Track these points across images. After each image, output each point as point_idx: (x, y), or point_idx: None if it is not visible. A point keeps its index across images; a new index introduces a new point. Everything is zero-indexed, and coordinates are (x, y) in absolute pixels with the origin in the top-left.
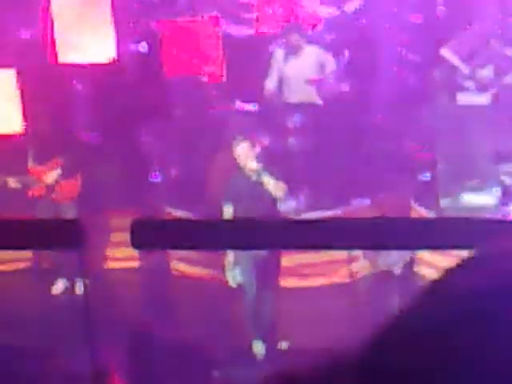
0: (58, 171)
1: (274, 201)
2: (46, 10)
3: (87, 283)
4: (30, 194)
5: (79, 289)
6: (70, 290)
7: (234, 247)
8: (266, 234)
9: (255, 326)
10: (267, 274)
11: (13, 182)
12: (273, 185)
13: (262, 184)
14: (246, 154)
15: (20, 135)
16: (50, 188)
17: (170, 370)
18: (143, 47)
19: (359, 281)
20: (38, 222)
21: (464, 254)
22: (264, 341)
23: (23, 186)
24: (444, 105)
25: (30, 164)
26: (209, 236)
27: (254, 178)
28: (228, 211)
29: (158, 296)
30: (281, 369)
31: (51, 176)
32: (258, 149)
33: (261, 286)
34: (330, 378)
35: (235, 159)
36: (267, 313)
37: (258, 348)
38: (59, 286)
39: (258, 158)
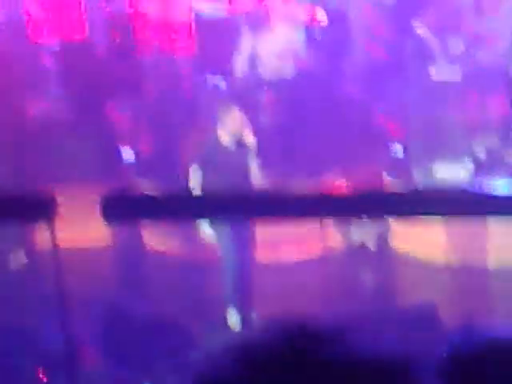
0: None
1: (248, 173)
2: None
3: (57, 258)
4: None
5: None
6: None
7: (206, 219)
8: (238, 205)
9: (232, 299)
10: (245, 246)
11: None
12: (255, 163)
13: (240, 155)
14: (238, 124)
15: None
16: None
17: (144, 345)
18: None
19: (332, 254)
20: (8, 196)
21: (434, 223)
22: (240, 312)
23: None
24: (415, 78)
25: None
26: (181, 209)
27: (233, 148)
28: (196, 175)
29: (130, 271)
30: (253, 341)
31: None
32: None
33: (239, 258)
34: (299, 350)
35: (214, 128)
36: (245, 285)
37: (234, 320)
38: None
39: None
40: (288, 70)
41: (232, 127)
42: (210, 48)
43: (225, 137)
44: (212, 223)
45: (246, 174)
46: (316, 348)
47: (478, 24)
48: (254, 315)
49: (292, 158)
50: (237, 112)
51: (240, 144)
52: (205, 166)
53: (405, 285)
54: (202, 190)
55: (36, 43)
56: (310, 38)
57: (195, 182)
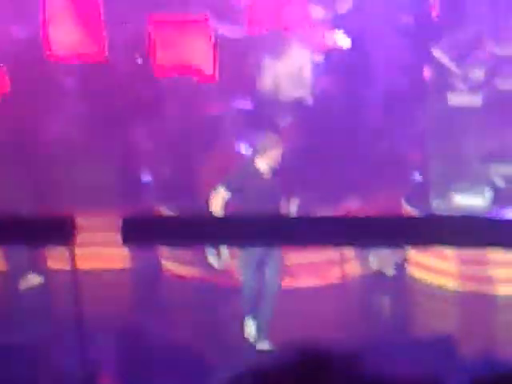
0: None
1: (277, 200)
2: (42, 6)
3: (76, 280)
4: None
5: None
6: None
7: (226, 244)
8: (257, 230)
9: (250, 312)
10: (269, 271)
11: None
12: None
13: (274, 183)
14: (277, 153)
15: None
16: None
17: (160, 370)
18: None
19: (351, 282)
20: (28, 218)
21: (451, 252)
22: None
23: None
24: (435, 105)
25: None
26: (200, 233)
27: (268, 175)
28: (220, 198)
29: (148, 296)
30: (268, 367)
31: None
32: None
33: (262, 283)
34: (312, 375)
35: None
36: (267, 310)
37: (251, 330)
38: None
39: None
40: (307, 95)
41: (272, 156)
42: (230, 72)
43: (262, 164)
44: (233, 248)
45: (275, 202)
46: (329, 373)
47: (499, 51)
48: (269, 342)
49: (310, 185)
50: (277, 141)
51: (275, 172)
52: (233, 190)
53: (420, 311)
54: (224, 213)
55: (55, 62)
56: (330, 62)
57: (218, 204)
